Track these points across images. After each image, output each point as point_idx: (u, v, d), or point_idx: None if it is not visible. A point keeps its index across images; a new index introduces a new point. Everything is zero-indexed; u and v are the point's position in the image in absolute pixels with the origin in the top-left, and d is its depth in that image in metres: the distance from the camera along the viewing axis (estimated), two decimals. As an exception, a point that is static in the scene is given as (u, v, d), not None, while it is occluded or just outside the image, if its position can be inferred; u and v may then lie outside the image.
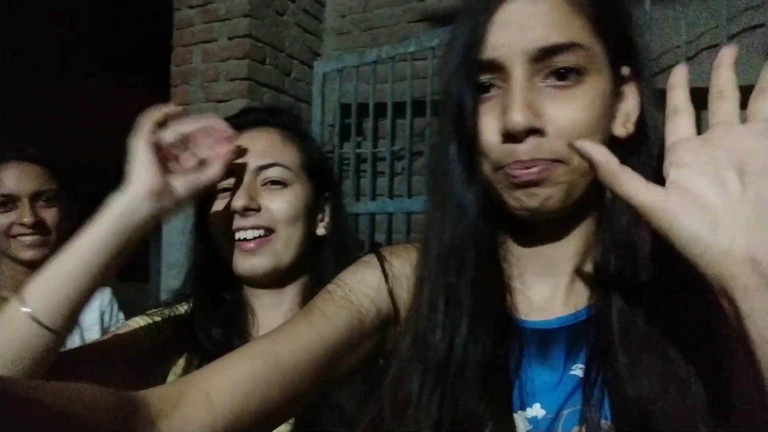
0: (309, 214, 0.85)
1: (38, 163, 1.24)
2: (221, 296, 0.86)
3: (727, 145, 0.42)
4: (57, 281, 0.63)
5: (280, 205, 0.82)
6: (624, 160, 0.48)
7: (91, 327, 1.31)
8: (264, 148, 0.84)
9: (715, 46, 1.82)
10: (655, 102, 0.55)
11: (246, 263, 0.82)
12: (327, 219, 0.89)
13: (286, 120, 0.90)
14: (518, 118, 0.49)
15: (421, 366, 0.56)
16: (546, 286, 0.58)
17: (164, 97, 2.64)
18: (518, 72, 0.51)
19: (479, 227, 0.57)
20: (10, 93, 4.22)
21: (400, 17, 2.76)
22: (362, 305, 0.61)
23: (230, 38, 2.53)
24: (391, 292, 0.62)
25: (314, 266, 0.87)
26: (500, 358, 0.55)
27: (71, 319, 0.64)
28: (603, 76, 0.52)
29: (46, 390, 0.40)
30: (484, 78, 0.53)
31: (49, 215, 1.23)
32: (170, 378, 0.81)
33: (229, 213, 0.82)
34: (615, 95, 0.54)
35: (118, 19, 3.87)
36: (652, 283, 0.52)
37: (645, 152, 0.54)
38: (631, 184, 0.44)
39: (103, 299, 1.38)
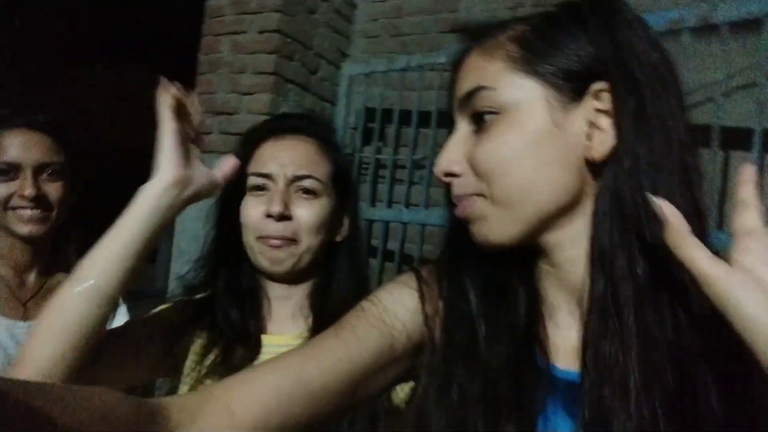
0: (330, 223, 0.92)
1: (47, 133, 1.14)
2: (239, 282, 0.93)
3: None
4: (105, 261, 0.71)
5: (308, 214, 0.89)
6: (595, 181, 0.52)
7: None
8: (301, 158, 0.90)
9: (751, 86, 1.80)
10: (643, 119, 0.51)
11: (268, 260, 0.89)
12: (345, 226, 0.96)
13: (321, 130, 0.96)
14: (436, 167, 0.58)
15: (443, 399, 0.55)
16: (576, 329, 0.55)
17: (189, 85, 2.63)
18: (459, 122, 0.58)
19: (499, 259, 0.57)
20: (39, 74, 4.24)
21: (431, 26, 2.74)
22: (395, 327, 0.59)
23: (260, 32, 2.52)
24: (427, 316, 0.60)
25: (327, 269, 0.94)
26: (524, 399, 0.53)
27: (120, 292, 0.73)
28: (531, 108, 0.52)
29: (57, 395, 0.39)
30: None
31: (52, 190, 1.13)
32: (190, 357, 0.88)
33: (260, 213, 0.88)
34: (571, 120, 0.52)
35: (149, 4, 3.88)
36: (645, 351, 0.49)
37: (618, 177, 0.51)
38: (696, 252, 0.44)
39: None
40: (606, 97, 0.52)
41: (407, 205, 2.41)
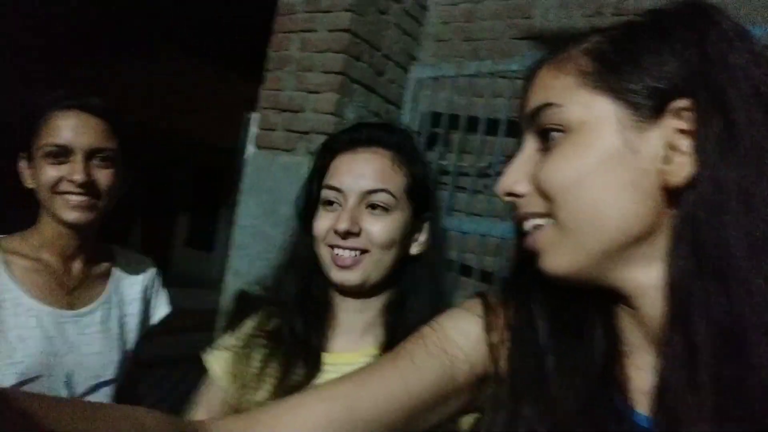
0: (403, 237, 0.88)
1: (101, 117, 1.09)
2: (310, 293, 0.91)
3: None
4: None
5: (379, 230, 0.86)
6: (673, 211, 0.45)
7: (132, 301, 1.23)
8: (374, 172, 0.87)
9: None
10: (732, 142, 0.44)
11: (338, 275, 0.87)
12: (423, 238, 0.91)
13: (398, 140, 0.91)
14: (498, 187, 0.54)
15: None
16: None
17: (257, 81, 2.65)
18: (526, 139, 0.54)
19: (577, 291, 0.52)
20: (115, 63, 4.39)
21: (504, 32, 2.66)
22: (456, 357, 0.54)
23: (330, 30, 2.51)
24: (492, 347, 0.55)
25: (403, 282, 0.90)
26: None
27: None
28: (599, 128, 0.48)
29: (91, 414, 0.37)
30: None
31: (102, 177, 1.08)
32: (254, 364, 0.87)
33: (329, 227, 0.86)
34: (647, 141, 0.47)
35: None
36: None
37: (696, 207, 0.44)
38: None
39: (146, 274, 1.28)
40: (688, 115, 0.46)
41: (468, 214, 2.35)
